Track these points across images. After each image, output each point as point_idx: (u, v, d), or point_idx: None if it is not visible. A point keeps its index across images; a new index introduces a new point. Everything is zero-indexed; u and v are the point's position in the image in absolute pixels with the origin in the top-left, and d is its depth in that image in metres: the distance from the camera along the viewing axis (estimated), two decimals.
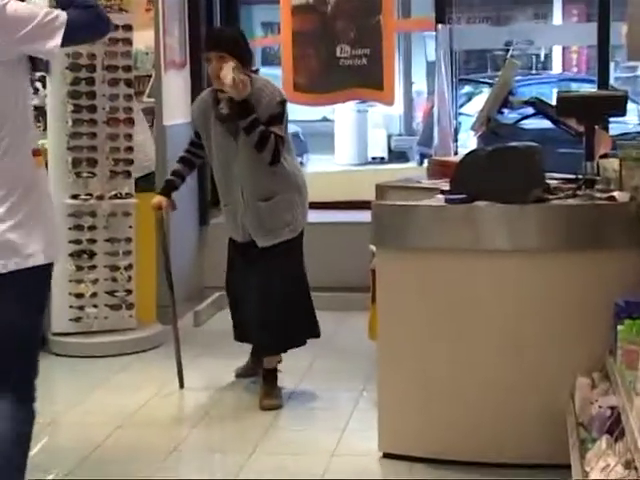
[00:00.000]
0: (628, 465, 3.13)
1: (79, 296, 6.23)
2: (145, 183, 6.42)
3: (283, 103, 5.06)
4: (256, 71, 5.17)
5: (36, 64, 3.48)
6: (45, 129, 6.43)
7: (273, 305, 5.13)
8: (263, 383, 5.24)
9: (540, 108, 4.96)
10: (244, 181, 5.05)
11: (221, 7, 7.76)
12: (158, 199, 5.36)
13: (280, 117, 5.02)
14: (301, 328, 5.28)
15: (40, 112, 6.58)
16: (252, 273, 5.17)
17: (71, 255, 6.18)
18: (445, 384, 4.33)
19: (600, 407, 3.66)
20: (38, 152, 3.50)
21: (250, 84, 4.92)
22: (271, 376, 5.25)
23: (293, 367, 5.67)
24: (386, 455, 4.45)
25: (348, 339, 6.38)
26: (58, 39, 3.34)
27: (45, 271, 3.45)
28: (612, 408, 3.55)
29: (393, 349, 4.41)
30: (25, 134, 3.42)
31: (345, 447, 4.64)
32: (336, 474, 4.34)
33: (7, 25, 3.31)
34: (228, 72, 4.83)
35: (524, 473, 4.17)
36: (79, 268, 6.25)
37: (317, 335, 5.35)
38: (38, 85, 6.58)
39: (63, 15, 3.35)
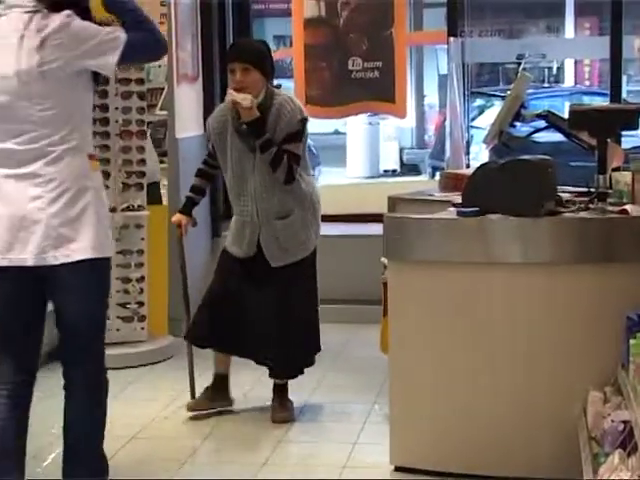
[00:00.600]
0: None
1: None
2: (150, 196, 6.41)
3: (304, 121, 5.03)
4: (278, 87, 5.14)
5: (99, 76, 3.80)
6: None
7: (292, 326, 5.12)
8: (275, 396, 5.24)
9: (552, 121, 4.95)
10: (259, 197, 5.01)
11: (234, 20, 7.77)
12: (178, 217, 5.30)
13: (299, 135, 5.00)
14: (313, 346, 5.27)
15: None
16: (264, 292, 5.09)
17: None
18: (457, 397, 4.32)
19: (612, 421, 3.65)
20: (94, 156, 3.81)
21: (271, 98, 4.93)
22: (283, 389, 5.24)
23: (304, 380, 5.66)
24: (398, 468, 4.45)
25: (360, 352, 6.37)
26: (115, 57, 3.65)
27: (97, 264, 3.71)
28: (625, 422, 3.54)
29: (405, 362, 4.41)
30: (84, 139, 3.73)
31: (356, 460, 4.63)
32: None
33: (72, 40, 3.61)
34: (247, 97, 4.84)
35: None
36: None
37: (319, 349, 5.33)
38: None
39: (123, 35, 3.66)
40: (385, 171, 16.26)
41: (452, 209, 4.45)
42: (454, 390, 4.32)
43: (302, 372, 5.24)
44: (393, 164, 16.39)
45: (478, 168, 4.60)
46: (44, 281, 3.72)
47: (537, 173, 4.32)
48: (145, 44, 3.76)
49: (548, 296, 4.22)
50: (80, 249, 3.65)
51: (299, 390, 5.45)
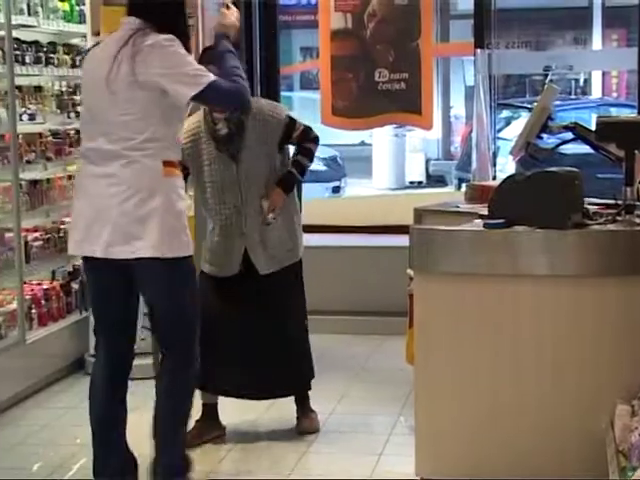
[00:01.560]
0: None
1: None
2: None
3: (290, 116, 5.02)
4: None
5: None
6: None
7: (301, 334, 5.13)
8: (298, 407, 5.23)
9: (579, 133, 4.94)
10: (246, 205, 4.91)
11: (260, 32, 7.80)
12: None
13: (294, 122, 5.00)
14: (310, 362, 5.24)
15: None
16: (255, 313, 5.00)
17: None
18: (483, 408, 4.31)
19: None
20: (170, 163, 4.06)
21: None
22: (305, 400, 5.24)
23: (330, 391, 5.68)
24: None
25: (385, 363, 6.37)
26: (192, 91, 3.95)
27: (162, 263, 4.00)
28: None
29: (431, 373, 4.40)
30: (161, 149, 4.02)
31: (382, 472, 4.63)
32: None
33: (159, 60, 3.94)
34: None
35: None
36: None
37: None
38: (79, 109, 6.65)
39: (211, 78, 3.97)
40: (411, 183, 16.25)
41: (478, 221, 4.44)
42: (480, 402, 4.31)
43: (310, 387, 5.22)
44: (419, 176, 16.38)
45: (505, 180, 4.59)
46: (127, 273, 4.08)
47: (564, 185, 4.31)
48: (229, 94, 4.07)
49: (575, 308, 4.21)
50: (143, 247, 3.98)
51: (324, 401, 5.45)
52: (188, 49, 4.08)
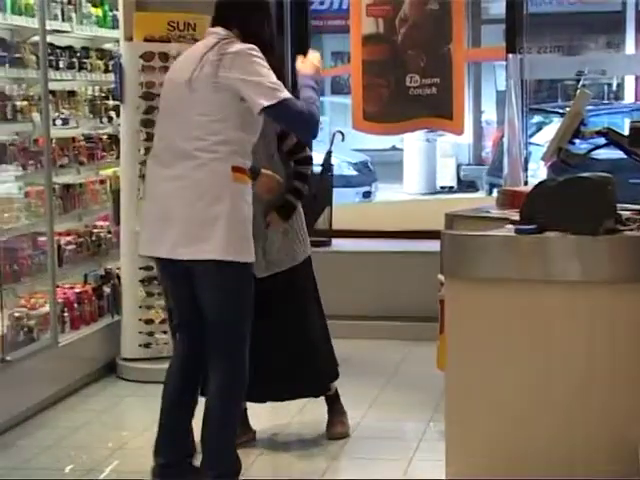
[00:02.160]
0: None
1: (149, 322, 6.30)
2: None
3: None
4: None
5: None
6: (118, 157, 6.54)
7: (319, 333, 5.14)
8: (329, 410, 5.23)
9: (612, 138, 4.92)
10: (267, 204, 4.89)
11: (292, 37, 7.82)
12: None
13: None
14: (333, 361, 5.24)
15: (114, 140, 6.71)
16: (275, 308, 4.93)
17: (141, 281, 6.26)
18: (514, 414, 4.30)
19: None
20: (239, 169, 4.14)
21: None
22: (337, 402, 5.21)
23: (360, 397, 5.68)
24: None
25: (416, 369, 6.36)
26: (266, 102, 4.03)
27: (224, 266, 4.09)
28: None
29: (462, 379, 4.39)
30: (232, 153, 4.11)
31: (412, 476, 4.63)
32: None
33: (239, 68, 4.06)
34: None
35: None
36: (149, 294, 6.34)
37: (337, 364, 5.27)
38: (112, 114, 6.71)
39: (287, 95, 4.09)
40: (442, 188, 16.21)
41: (510, 226, 4.43)
42: (511, 408, 4.30)
43: (329, 388, 5.18)
44: (450, 181, 16.34)
45: (536, 185, 4.58)
46: (190, 274, 4.17)
47: (596, 191, 4.29)
48: (300, 116, 4.14)
49: (608, 314, 4.19)
50: (207, 250, 4.07)
51: (355, 407, 5.45)
52: (274, 59, 4.25)
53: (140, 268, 6.24)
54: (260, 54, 4.12)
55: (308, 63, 4.45)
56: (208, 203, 4.07)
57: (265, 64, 4.12)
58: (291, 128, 4.50)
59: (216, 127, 4.08)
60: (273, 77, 4.11)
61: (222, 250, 4.07)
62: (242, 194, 4.16)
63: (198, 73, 4.09)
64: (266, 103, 4.03)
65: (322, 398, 5.22)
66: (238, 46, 4.13)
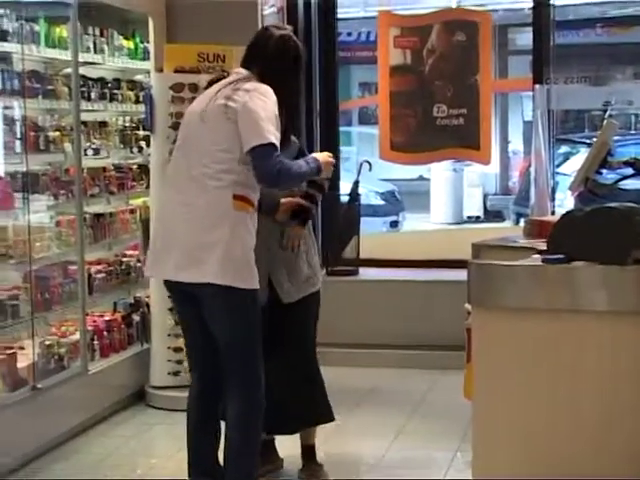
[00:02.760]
0: None
1: (177, 350, 6.30)
2: None
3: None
4: None
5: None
6: (148, 186, 6.58)
7: (316, 365, 5.00)
8: (308, 463, 5.00)
9: None
10: (274, 229, 4.84)
11: (320, 68, 7.86)
12: None
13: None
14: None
15: (143, 170, 6.75)
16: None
17: (170, 309, 6.28)
18: (540, 445, 4.28)
19: None
20: (242, 198, 4.18)
21: None
22: (314, 453, 5.04)
23: (387, 426, 5.67)
24: None
25: (443, 398, 6.35)
26: (255, 143, 4.09)
27: (222, 291, 4.13)
28: None
29: (489, 408, 4.38)
30: (235, 182, 4.16)
31: None
32: None
33: (244, 106, 4.13)
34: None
35: None
36: (178, 323, 6.35)
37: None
38: (142, 144, 6.76)
39: (272, 140, 4.10)
40: (469, 217, 16.20)
41: (537, 256, 4.42)
42: (537, 439, 4.28)
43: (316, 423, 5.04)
44: (477, 210, 16.32)
45: (564, 215, 4.57)
46: (195, 297, 4.23)
47: (624, 221, 4.28)
48: (270, 167, 4.12)
49: (635, 344, 4.17)
50: (203, 273, 4.12)
51: (381, 436, 5.45)
52: (289, 111, 4.39)
53: (169, 296, 6.25)
54: (271, 97, 4.19)
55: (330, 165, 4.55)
56: (208, 228, 4.14)
57: (271, 108, 4.17)
58: (256, 174, 4.25)
59: (221, 156, 4.16)
60: (271, 124, 4.14)
61: (218, 274, 4.11)
62: (243, 221, 4.19)
63: (212, 104, 4.21)
64: (254, 143, 4.09)
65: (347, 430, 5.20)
66: (252, 85, 4.21)
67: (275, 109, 4.19)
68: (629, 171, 4.96)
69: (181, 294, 4.34)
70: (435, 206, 16.14)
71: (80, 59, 5.97)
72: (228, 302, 4.19)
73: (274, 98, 4.19)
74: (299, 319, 4.92)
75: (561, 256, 4.25)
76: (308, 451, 5.03)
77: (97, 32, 6.28)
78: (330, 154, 4.62)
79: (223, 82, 4.34)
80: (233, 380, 4.29)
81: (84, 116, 6.13)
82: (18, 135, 5.45)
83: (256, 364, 4.28)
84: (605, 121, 5.33)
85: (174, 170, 4.35)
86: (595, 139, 5.12)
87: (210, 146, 4.18)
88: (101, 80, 6.43)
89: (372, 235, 10.16)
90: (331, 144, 7.62)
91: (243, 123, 4.13)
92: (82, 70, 6.06)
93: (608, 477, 4.14)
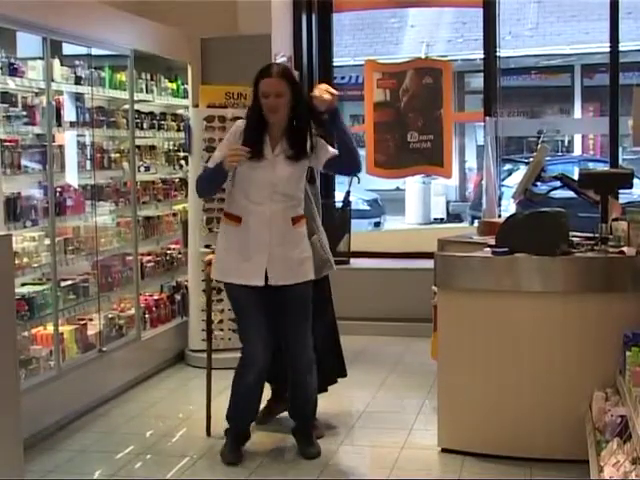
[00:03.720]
0: (634, 461, 3.08)
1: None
2: None
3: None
4: None
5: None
6: (186, 196, 6.59)
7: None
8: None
9: (565, 182, 4.92)
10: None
11: None
12: (210, 257, 4.56)
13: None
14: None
15: (183, 183, 6.75)
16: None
17: (203, 291, 6.26)
18: (491, 395, 4.29)
19: (612, 415, 3.60)
20: (227, 214, 4.29)
21: None
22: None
23: (371, 380, 5.66)
24: (444, 450, 4.41)
25: (414, 359, 6.34)
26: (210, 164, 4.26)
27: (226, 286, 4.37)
28: (622, 416, 3.48)
29: (450, 367, 4.39)
30: (229, 203, 4.29)
31: (412, 443, 4.61)
32: (405, 463, 4.32)
33: None
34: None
35: (551, 467, 4.11)
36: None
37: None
38: (182, 163, 6.75)
39: (203, 165, 4.35)
40: (435, 219, 16.15)
41: (487, 249, 4.44)
42: (488, 390, 4.29)
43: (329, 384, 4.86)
44: (441, 214, 16.27)
45: (508, 217, 4.58)
46: None
47: (554, 222, 4.29)
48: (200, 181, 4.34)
49: (563, 318, 4.18)
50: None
51: (367, 388, 5.44)
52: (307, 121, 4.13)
53: (202, 280, 6.25)
54: (239, 126, 4.18)
55: (324, 93, 4.04)
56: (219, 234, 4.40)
57: (227, 136, 4.25)
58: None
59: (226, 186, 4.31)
60: (220, 148, 4.24)
61: (214, 271, 4.38)
62: (225, 232, 4.32)
63: None
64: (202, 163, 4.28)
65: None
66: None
67: (229, 137, 4.22)
68: (558, 184, 4.97)
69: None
70: (409, 210, 16.08)
71: (135, 98, 5.97)
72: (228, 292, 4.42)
73: (233, 129, 4.22)
74: (324, 295, 4.72)
75: (506, 249, 4.26)
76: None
77: (148, 77, 6.27)
78: (327, 86, 4.10)
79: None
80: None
81: (138, 141, 6.13)
82: (88, 156, 5.45)
83: (244, 339, 4.35)
84: (539, 145, 5.33)
85: None
86: (531, 159, 5.12)
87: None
88: (151, 114, 6.42)
89: (360, 233, 10.10)
90: None
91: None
92: (137, 106, 6.05)
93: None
